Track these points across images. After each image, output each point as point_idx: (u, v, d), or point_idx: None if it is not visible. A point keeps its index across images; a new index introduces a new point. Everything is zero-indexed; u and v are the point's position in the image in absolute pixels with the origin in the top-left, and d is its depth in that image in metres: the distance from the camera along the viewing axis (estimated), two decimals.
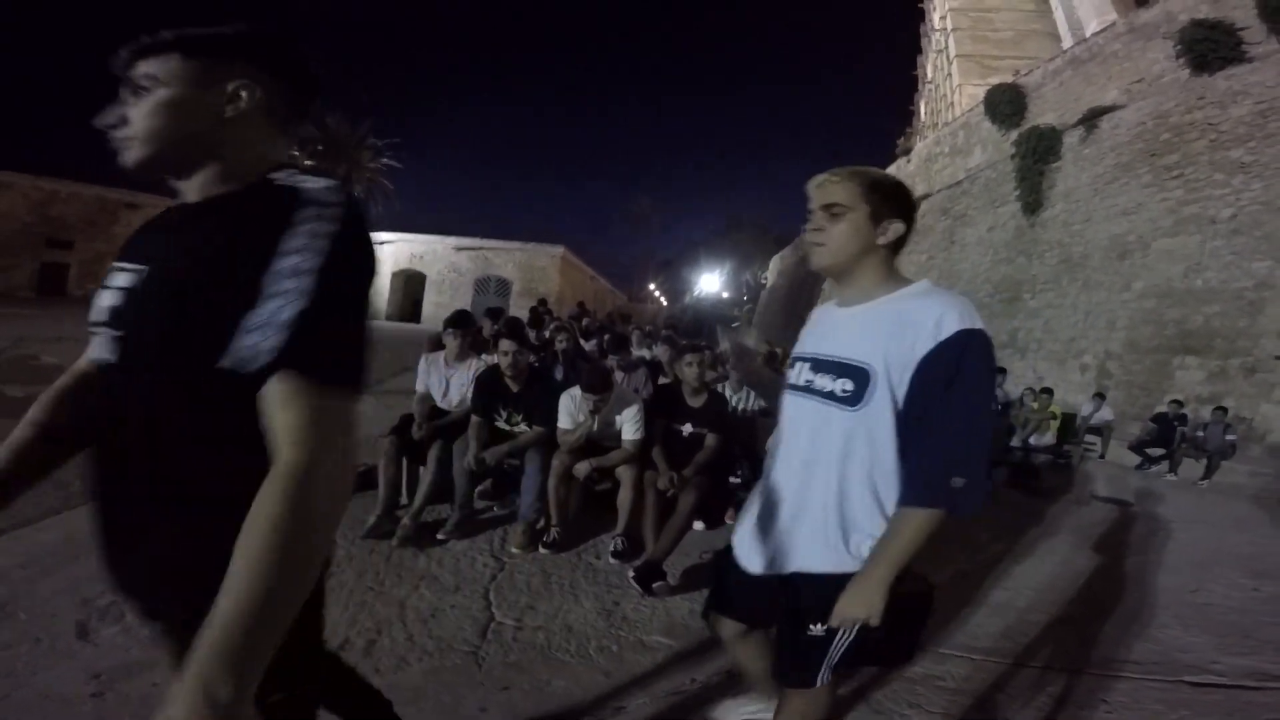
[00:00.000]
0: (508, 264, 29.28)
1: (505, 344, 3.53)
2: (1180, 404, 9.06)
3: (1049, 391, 8.74)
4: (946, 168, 17.58)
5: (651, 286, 66.02)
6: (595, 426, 3.53)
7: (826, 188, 1.32)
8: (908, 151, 20.32)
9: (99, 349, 0.92)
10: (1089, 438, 9.53)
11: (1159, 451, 8.79)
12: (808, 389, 1.36)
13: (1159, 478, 8.31)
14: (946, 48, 27.35)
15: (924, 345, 1.20)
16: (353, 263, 0.83)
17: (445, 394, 3.90)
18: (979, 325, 1.21)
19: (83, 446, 0.96)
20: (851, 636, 1.28)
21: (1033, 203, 13.35)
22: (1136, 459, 8.85)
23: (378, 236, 28.71)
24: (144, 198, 26.36)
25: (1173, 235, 10.47)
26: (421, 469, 3.60)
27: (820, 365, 1.35)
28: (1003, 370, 9.29)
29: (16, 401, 5.52)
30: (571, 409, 3.53)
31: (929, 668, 2.50)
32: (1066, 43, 20.39)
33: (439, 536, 3.36)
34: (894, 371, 1.22)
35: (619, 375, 4.67)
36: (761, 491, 1.48)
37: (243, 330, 0.77)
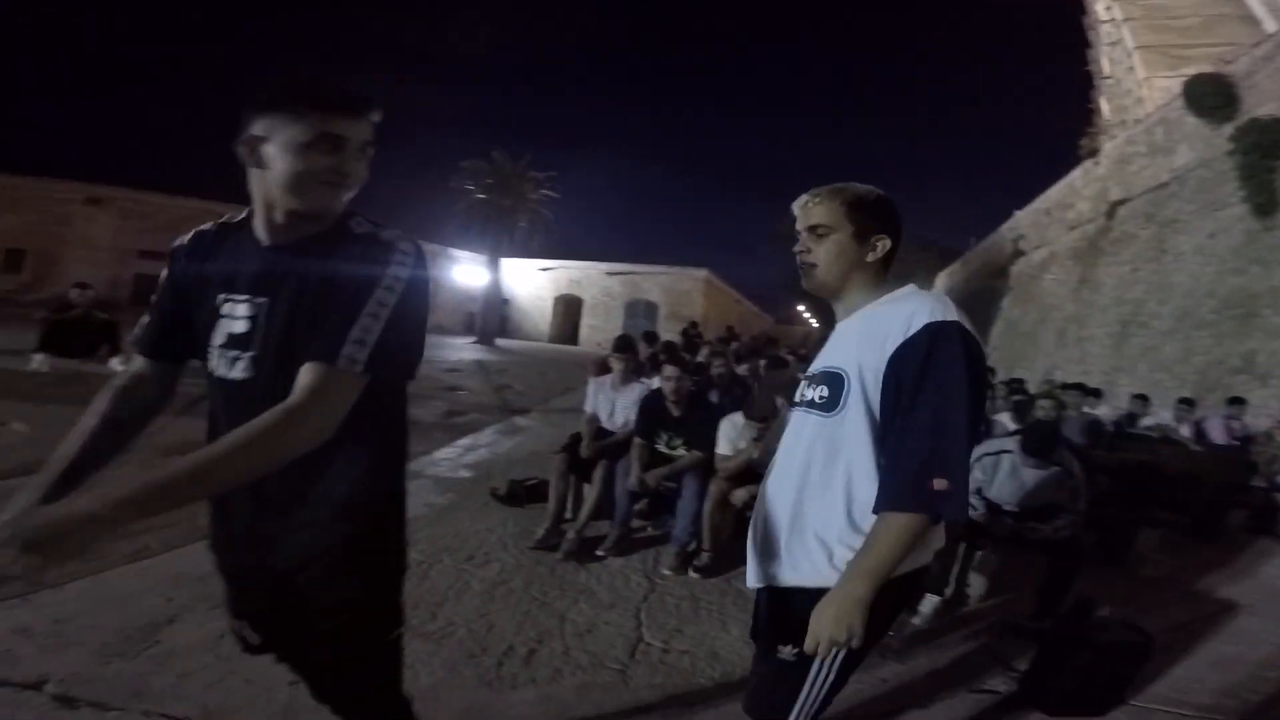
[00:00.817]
0: (654, 288, 30.03)
1: (669, 369, 3.61)
2: None
3: None
4: (1146, 168, 15.29)
5: (800, 308, 64.28)
6: (757, 454, 3.46)
7: (809, 209, 1.31)
8: (1094, 152, 17.93)
9: (226, 368, 1.13)
10: None
11: None
12: (799, 402, 1.35)
13: None
14: (1122, 39, 24.19)
15: (894, 343, 1.16)
16: (422, 294, 1.12)
17: (611, 415, 4.06)
18: (952, 317, 1.15)
19: (136, 435, 1.22)
20: (831, 675, 1.18)
21: (1265, 204, 11.17)
22: None
23: (542, 263, 31.10)
24: None
25: None
26: (586, 486, 3.75)
27: (809, 378, 1.34)
28: (1096, 392, 7.73)
29: None
30: (733, 435, 3.49)
31: None
32: (1268, 26, 17.17)
33: (598, 553, 3.47)
34: (867, 374, 1.19)
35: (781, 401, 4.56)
36: (756, 504, 1.44)
37: (348, 341, 1.03)
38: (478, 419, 7.27)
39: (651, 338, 7.00)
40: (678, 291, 29.62)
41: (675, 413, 3.64)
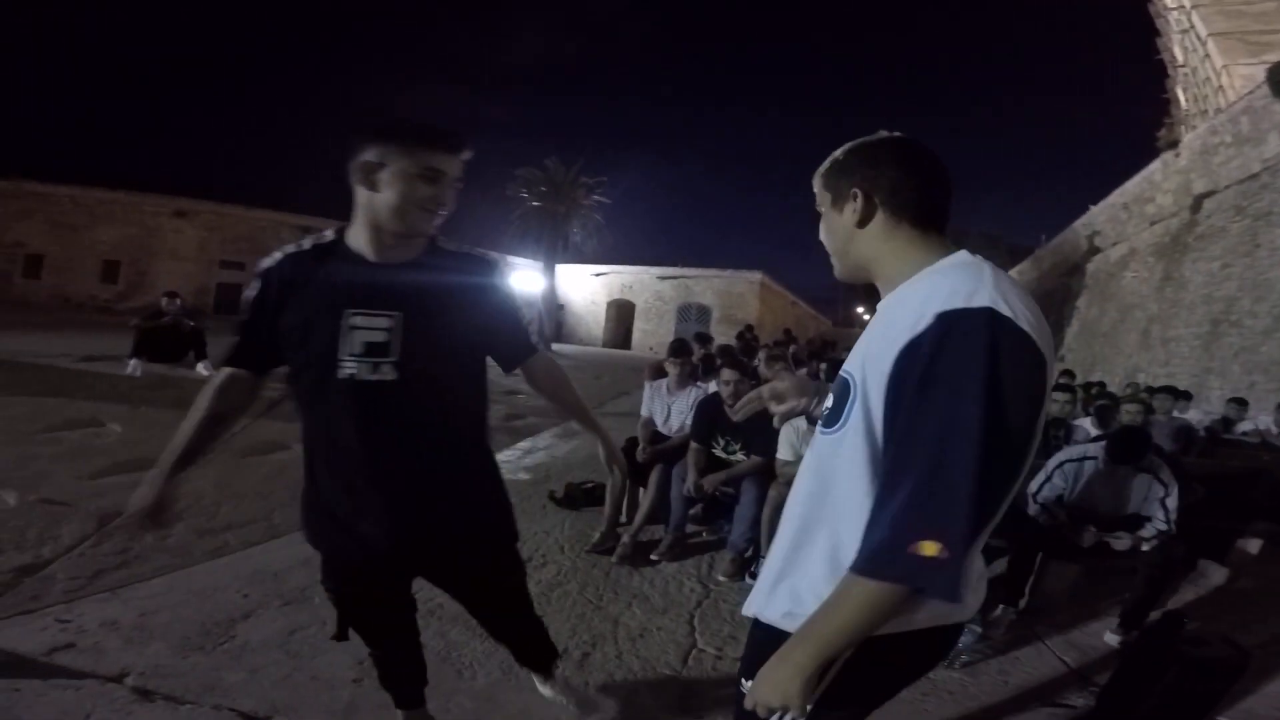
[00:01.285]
0: (707, 291, 29.82)
1: (727, 373, 3.57)
2: None
3: None
4: (1233, 159, 14.22)
5: (860, 310, 62.70)
6: None
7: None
8: (1173, 144, 16.77)
9: (368, 372, 1.33)
10: None
11: None
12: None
13: None
14: (1192, 26, 22.68)
15: (902, 339, 0.86)
16: (516, 295, 1.55)
17: (666, 420, 4.05)
18: (981, 302, 0.82)
19: (230, 430, 1.50)
20: None
21: None
22: None
23: (596, 269, 31.38)
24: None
25: None
26: (642, 490, 3.75)
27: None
28: (1186, 395, 6.97)
29: None
30: (794, 440, 3.42)
31: None
32: None
33: (652, 557, 3.45)
34: (871, 380, 0.90)
35: None
36: None
37: (511, 343, 1.56)
38: (536, 423, 7.38)
39: (704, 339, 6.95)
40: (732, 294, 29.33)
41: (734, 417, 3.59)
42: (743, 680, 1.02)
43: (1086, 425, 4.99)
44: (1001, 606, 2.94)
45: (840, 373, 1.01)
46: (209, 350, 7.84)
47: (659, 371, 4.49)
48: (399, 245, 1.35)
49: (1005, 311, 0.82)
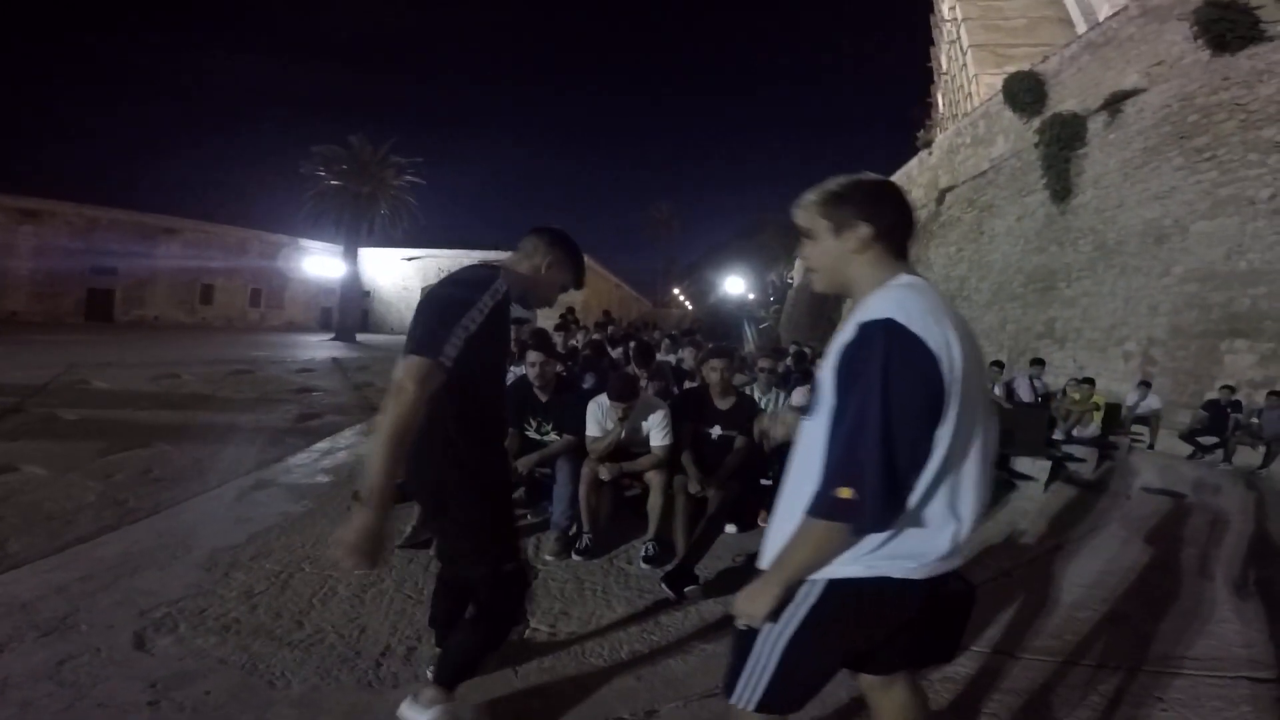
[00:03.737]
0: None
1: (533, 355, 3.56)
2: (1232, 389, 8.71)
3: (1090, 381, 8.48)
4: (970, 158, 17.26)
5: (676, 291, 66.12)
6: (624, 434, 3.54)
7: (798, 214, 1.31)
8: (929, 144, 19.96)
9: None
10: (1136, 428, 9.22)
11: (1212, 440, 8.45)
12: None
13: (1213, 467, 8.00)
14: (959, 38, 27.04)
15: (840, 344, 1.16)
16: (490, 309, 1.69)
17: None
18: (888, 315, 1.11)
19: None
20: (774, 653, 1.23)
21: (1061, 190, 13.05)
22: (1188, 449, 8.53)
23: (407, 253, 29.51)
24: (181, 222, 27.29)
25: (1211, 218, 10.11)
26: None
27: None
28: (999, 364, 8.92)
29: (71, 424, 5.75)
30: (600, 417, 3.54)
31: (972, 668, 2.45)
32: (1080, 28, 20.03)
33: None
34: (826, 375, 1.19)
35: (645, 382, 4.67)
36: None
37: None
38: (335, 421, 6.85)
39: (521, 323, 6.90)
40: None
41: (543, 398, 3.63)
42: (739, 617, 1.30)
43: None
44: None
45: (817, 374, 1.28)
46: None
47: None
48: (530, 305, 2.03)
49: (902, 320, 1.10)
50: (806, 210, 1.29)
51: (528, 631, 2.60)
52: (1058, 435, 7.61)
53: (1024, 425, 6.33)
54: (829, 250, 1.27)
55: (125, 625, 2.43)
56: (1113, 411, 8.75)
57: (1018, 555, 3.89)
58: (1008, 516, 4.79)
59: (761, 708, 1.26)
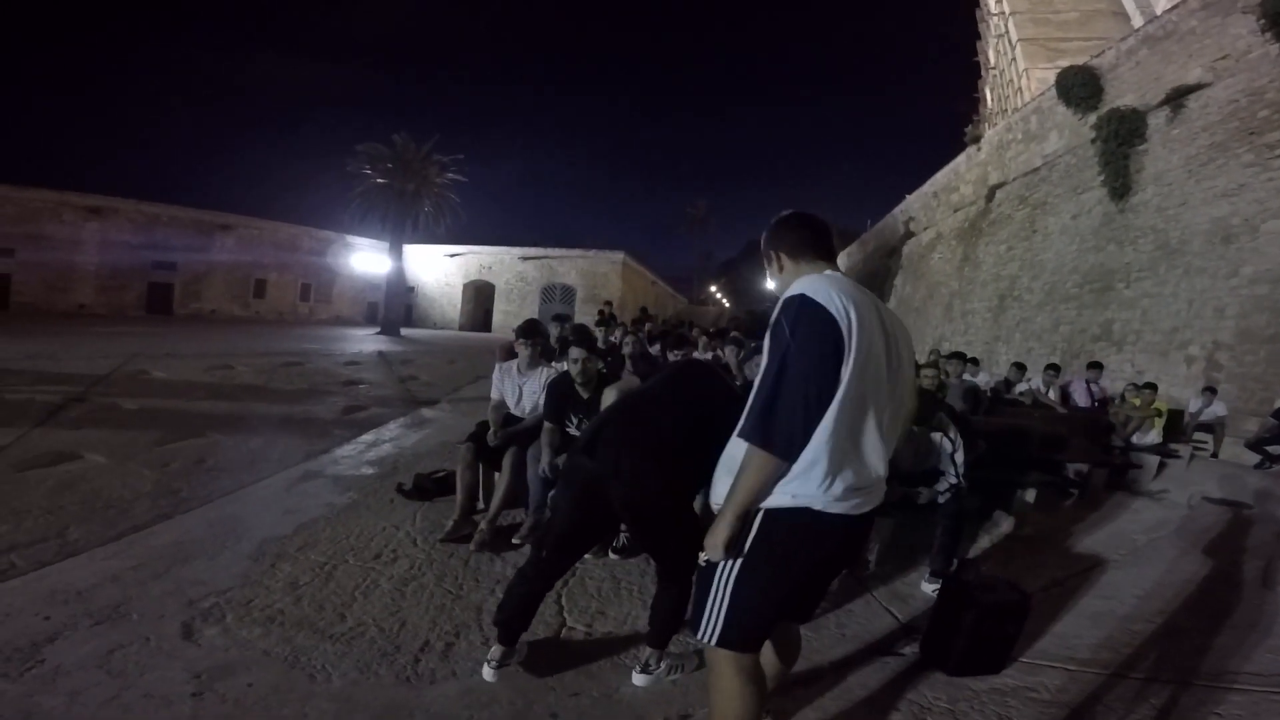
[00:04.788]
0: (571, 271, 29.77)
1: (575, 351, 3.55)
2: None
3: (1152, 386, 8.09)
4: (1021, 154, 16.64)
5: (713, 289, 65.72)
6: None
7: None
8: (977, 139, 19.29)
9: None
10: (1199, 435, 8.76)
11: None
12: None
13: None
14: (1007, 32, 26.09)
15: (770, 319, 1.48)
16: None
17: (518, 401, 3.97)
18: (799, 291, 1.43)
19: None
20: (728, 583, 1.48)
21: (1120, 188, 12.45)
22: (1255, 458, 8.06)
23: (449, 249, 30.04)
24: (236, 219, 28.27)
25: None
26: (497, 475, 3.66)
27: None
28: (975, 361, 8.43)
29: (131, 414, 6.01)
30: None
31: (1020, 679, 2.37)
32: (1136, 21, 19.08)
33: (514, 541, 3.42)
34: (765, 341, 1.48)
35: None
36: None
37: None
38: (380, 413, 6.98)
39: (563, 319, 6.93)
40: (595, 274, 29.47)
41: (584, 394, 3.62)
42: (700, 554, 1.53)
43: None
44: None
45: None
46: None
47: (509, 353, 4.40)
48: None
49: (810, 294, 1.42)
50: (763, 250, 1.71)
51: (565, 629, 2.62)
52: (1116, 442, 7.29)
53: (1080, 431, 6.08)
54: (772, 275, 1.70)
55: (174, 615, 2.50)
56: (1174, 418, 8.34)
57: (1071, 565, 3.75)
58: (1061, 525, 4.62)
59: (723, 642, 1.50)
